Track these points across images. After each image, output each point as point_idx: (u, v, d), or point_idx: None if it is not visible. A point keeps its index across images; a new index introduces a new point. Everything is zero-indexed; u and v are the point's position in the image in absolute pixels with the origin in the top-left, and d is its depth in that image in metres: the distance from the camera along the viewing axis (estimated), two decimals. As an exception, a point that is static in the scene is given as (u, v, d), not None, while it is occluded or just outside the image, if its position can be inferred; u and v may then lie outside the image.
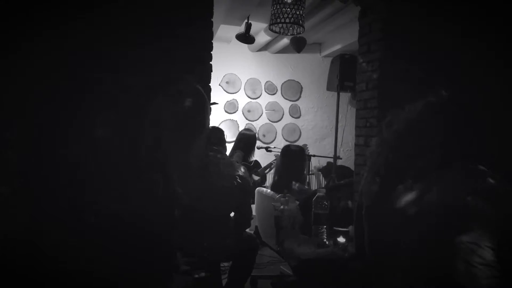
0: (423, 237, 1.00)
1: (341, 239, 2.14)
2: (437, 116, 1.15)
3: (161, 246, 1.37)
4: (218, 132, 2.92)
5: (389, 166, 1.18)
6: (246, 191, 2.86)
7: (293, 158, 3.44)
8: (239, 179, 2.79)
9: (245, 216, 2.91)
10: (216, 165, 2.69)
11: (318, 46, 6.21)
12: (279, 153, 3.74)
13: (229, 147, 4.79)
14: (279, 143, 5.92)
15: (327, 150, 6.11)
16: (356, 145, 2.88)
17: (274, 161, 4.70)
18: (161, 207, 1.41)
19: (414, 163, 1.12)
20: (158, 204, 1.42)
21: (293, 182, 3.21)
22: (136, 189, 1.33)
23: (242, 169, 2.87)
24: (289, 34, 3.80)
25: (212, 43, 2.47)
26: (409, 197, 1.07)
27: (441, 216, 0.98)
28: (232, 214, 2.95)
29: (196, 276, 1.71)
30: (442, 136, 1.12)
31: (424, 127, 1.16)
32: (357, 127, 2.86)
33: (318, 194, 2.32)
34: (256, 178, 4.41)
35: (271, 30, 3.77)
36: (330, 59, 5.31)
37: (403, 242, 1.04)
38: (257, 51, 6.05)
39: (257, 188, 3.47)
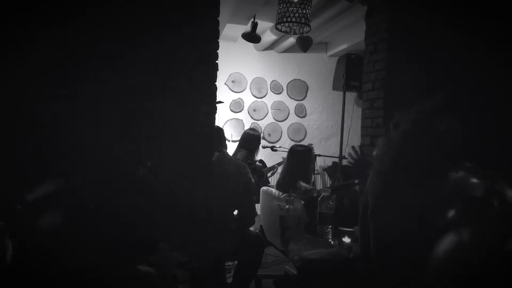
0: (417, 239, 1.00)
1: (346, 239, 2.13)
2: (444, 116, 1.14)
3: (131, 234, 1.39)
4: (218, 131, 2.91)
5: (395, 167, 1.18)
6: (249, 189, 2.86)
7: (301, 158, 3.44)
8: (242, 177, 2.79)
9: (248, 214, 2.91)
10: (218, 163, 2.69)
11: (324, 46, 6.20)
12: (285, 153, 3.73)
13: (235, 146, 4.80)
14: (285, 143, 5.92)
15: (333, 150, 6.09)
16: (362, 145, 2.87)
17: (277, 165, 4.69)
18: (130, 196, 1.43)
19: (420, 164, 1.12)
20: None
21: (299, 182, 3.20)
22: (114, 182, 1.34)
23: (244, 167, 2.87)
24: (295, 33, 3.79)
25: (218, 42, 2.47)
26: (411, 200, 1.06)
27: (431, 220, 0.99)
28: (235, 213, 2.95)
29: (188, 266, 1.72)
30: (449, 137, 1.12)
31: (431, 128, 1.15)
32: (363, 127, 2.85)
33: (323, 194, 2.31)
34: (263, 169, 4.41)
35: (277, 29, 3.76)
36: (336, 58, 5.30)
37: (406, 243, 1.03)
38: (263, 50, 6.04)
39: (262, 188, 3.47)
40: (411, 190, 1.09)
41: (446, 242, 0.87)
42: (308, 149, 3.62)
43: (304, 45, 5.04)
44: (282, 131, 6.19)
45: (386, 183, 1.19)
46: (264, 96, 6.14)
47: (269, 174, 4.74)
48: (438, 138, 1.10)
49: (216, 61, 2.47)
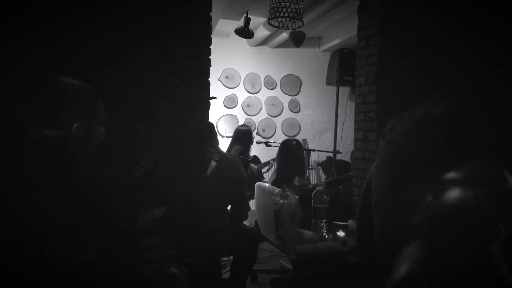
0: (436, 236, 1.01)
1: (340, 233, 2.14)
2: (444, 115, 1.16)
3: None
4: (210, 127, 2.91)
5: (399, 165, 1.18)
6: (241, 184, 2.86)
7: (291, 152, 3.45)
8: (234, 172, 2.79)
9: (241, 209, 2.92)
10: (211, 159, 2.70)
11: (317, 41, 6.19)
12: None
13: (228, 142, 4.80)
14: (279, 138, 5.92)
15: (327, 144, 6.11)
16: (355, 139, 2.88)
17: (272, 160, 4.69)
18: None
19: (424, 161, 1.13)
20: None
21: (295, 178, 3.22)
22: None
23: (237, 162, 2.88)
24: (288, 28, 3.79)
25: (211, 38, 2.46)
26: (426, 196, 1.07)
27: (454, 219, 1.00)
28: (228, 208, 2.96)
29: (185, 261, 1.72)
30: (451, 135, 1.13)
31: (431, 126, 1.16)
32: (356, 121, 2.86)
33: (317, 188, 2.32)
34: (254, 167, 4.43)
35: (270, 24, 3.76)
36: (329, 53, 5.30)
37: (414, 239, 1.04)
38: (256, 45, 6.03)
39: (257, 183, 3.48)
40: (418, 181, 1.09)
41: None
42: (298, 143, 3.64)
43: (297, 40, 5.04)
44: (276, 127, 6.20)
45: (391, 179, 1.19)
46: (258, 92, 6.14)
47: (264, 170, 4.74)
48: (439, 137, 1.11)
49: (209, 57, 2.46)
